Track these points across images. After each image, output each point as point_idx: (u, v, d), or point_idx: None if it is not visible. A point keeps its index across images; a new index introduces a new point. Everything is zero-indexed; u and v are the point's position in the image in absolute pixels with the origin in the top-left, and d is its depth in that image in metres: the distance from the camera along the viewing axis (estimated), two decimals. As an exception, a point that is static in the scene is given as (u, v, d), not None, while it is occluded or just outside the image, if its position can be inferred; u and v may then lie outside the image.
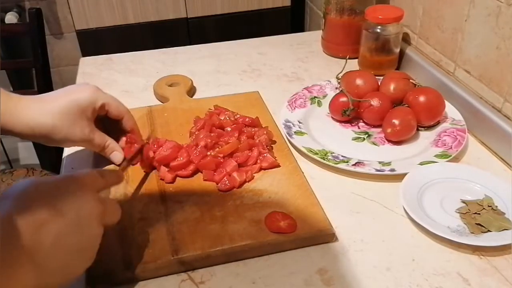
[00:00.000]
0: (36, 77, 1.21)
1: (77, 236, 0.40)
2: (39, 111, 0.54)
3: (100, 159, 0.62)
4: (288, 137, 0.69)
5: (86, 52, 1.36)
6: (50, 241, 0.38)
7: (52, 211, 0.39)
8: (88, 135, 0.57)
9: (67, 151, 0.70)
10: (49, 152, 1.33)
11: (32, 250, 0.37)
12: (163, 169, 0.61)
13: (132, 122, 0.63)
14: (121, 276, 0.49)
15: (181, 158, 0.61)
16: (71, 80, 0.94)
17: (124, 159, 0.60)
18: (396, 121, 0.68)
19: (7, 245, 0.35)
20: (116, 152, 0.61)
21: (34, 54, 1.18)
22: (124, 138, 0.62)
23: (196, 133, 0.66)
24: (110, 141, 0.60)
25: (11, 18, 1.49)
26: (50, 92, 0.58)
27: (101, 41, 1.45)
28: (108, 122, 0.62)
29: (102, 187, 0.46)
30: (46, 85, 1.23)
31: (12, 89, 1.44)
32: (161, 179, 0.61)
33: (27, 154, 1.71)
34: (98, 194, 0.44)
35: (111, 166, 0.61)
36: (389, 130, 0.69)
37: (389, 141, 0.70)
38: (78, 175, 0.44)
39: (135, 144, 0.61)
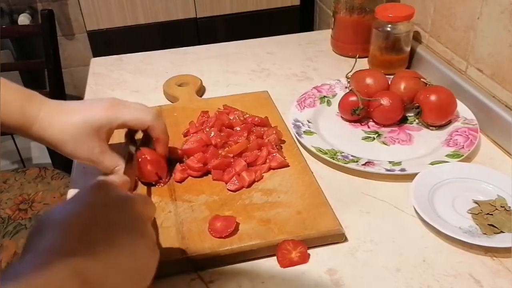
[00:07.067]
0: (48, 77, 1.23)
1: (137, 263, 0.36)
2: (58, 123, 0.53)
3: None
4: (297, 137, 0.69)
5: (97, 53, 1.37)
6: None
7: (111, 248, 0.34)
8: (96, 156, 0.55)
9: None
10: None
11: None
12: (178, 167, 0.61)
13: (158, 131, 0.58)
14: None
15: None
16: (83, 80, 0.95)
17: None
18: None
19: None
20: None
21: (46, 55, 1.20)
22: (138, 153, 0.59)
23: (207, 130, 0.66)
24: (121, 166, 0.56)
25: (23, 19, 1.51)
26: (76, 103, 0.56)
27: (112, 41, 1.47)
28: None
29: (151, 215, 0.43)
30: (57, 85, 1.24)
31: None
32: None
33: (39, 153, 1.72)
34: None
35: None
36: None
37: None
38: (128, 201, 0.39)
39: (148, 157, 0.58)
